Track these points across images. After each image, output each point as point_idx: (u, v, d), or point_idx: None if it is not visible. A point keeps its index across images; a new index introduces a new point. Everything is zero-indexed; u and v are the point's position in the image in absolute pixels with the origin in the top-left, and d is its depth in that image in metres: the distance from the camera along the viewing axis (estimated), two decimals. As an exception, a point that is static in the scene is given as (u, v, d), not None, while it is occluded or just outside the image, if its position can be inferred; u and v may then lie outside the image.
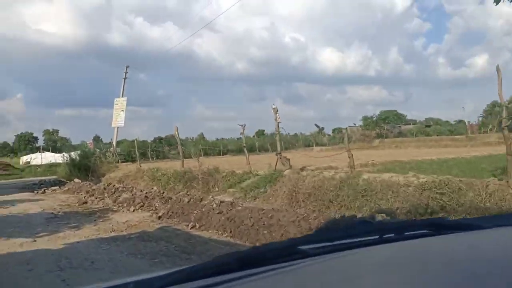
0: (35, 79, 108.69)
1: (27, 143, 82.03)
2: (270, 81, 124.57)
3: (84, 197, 13.55)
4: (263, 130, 68.21)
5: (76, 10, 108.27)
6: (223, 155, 36.40)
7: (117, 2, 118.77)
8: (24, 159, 46.84)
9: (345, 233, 1.15)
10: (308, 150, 35.63)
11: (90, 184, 16.86)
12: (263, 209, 8.36)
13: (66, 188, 16.45)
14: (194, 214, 8.45)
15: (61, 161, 41.05)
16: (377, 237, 1.16)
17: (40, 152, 44.69)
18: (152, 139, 48.05)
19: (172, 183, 13.92)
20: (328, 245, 1.08)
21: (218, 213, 8.15)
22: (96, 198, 13.10)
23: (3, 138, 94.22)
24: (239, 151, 40.22)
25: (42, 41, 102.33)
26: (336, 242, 1.10)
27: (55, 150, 53.09)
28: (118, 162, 21.88)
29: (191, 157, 33.07)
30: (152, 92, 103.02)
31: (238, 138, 50.19)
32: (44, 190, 16.86)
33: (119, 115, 28.05)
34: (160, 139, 49.73)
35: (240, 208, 8.30)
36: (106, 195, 13.33)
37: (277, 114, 11.34)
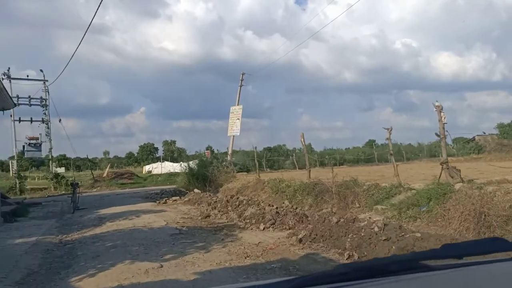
0: (156, 94, 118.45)
1: (149, 153, 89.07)
2: (379, 89, 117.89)
3: (206, 209, 12.56)
4: (374, 140, 64.16)
5: (191, 27, 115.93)
6: (340, 165, 33.97)
7: (228, 18, 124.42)
8: (146, 168, 50.14)
9: (474, 250, 1.04)
10: (436, 160, 31.25)
11: (210, 195, 16.05)
12: (447, 237, 6.06)
13: (186, 199, 15.85)
14: (348, 239, 6.50)
15: (179, 171, 43.05)
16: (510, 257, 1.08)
17: (160, 161, 47.31)
18: (260, 149, 47.82)
19: (299, 196, 12.20)
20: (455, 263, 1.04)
21: (384, 239, 6.09)
22: (219, 212, 11.98)
23: (129, 148, 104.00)
24: (357, 161, 37.49)
25: (162, 58, 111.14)
26: (464, 260, 1.03)
27: (173, 160, 56.09)
28: (234, 172, 21.08)
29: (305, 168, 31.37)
30: (259, 104, 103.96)
31: (354, 148, 47.14)
32: (166, 200, 16.52)
33: (234, 124, 27.57)
34: (269, 149, 49.20)
35: (417, 234, 6.08)
36: (229, 208, 12.13)
37: (442, 114, 8.88)
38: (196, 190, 17.58)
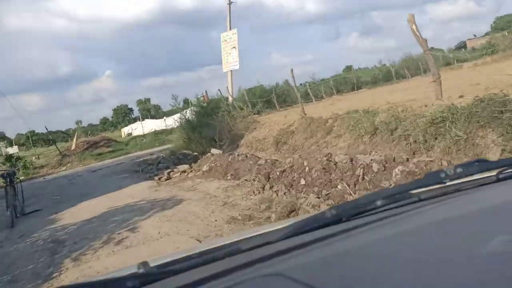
0: (119, 55, 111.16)
1: (124, 115, 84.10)
2: (344, 15, 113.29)
3: (263, 188, 6.46)
4: (351, 66, 59.65)
5: None
6: (358, 89, 27.97)
7: None
8: (125, 131, 43.31)
9: (457, 174, 1.02)
10: (449, 70, 25.47)
11: (236, 155, 9.87)
12: None
13: (205, 168, 9.57)
14: None
15: (164, 127, 36.37)
16: (494, 175, 1.09)
17: (140, 121, 40.49)
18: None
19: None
20: (440, 187, 1.05)
21: None
22: (284, 193, 5.95)
23: (102, 114, 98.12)
24: (375, 82, 31.57)
25: (118, 16, 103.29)
26: (448, 183, 1.03)
27: (152, 118, 49.52)
28: (252, 115, 14.76)
29: (323, 98, 25.25)
30: None
31: (364, 68, 41.08)
32: (169, 173, 10.34)
33: (230, 55, 20.80)
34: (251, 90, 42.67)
35: None
36: (303, 182, 6.07)
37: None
38: (214, 151, 11.28)
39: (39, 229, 7.08)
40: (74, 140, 22.66)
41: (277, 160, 8.92)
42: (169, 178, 10.11)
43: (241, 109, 14.07)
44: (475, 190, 1.06)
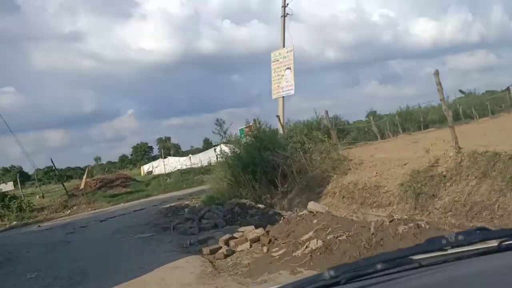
0: (142, 95, 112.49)
1: (143, 153, 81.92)
2: (363, 63, 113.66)
3: None
4: (375, 112, 57.37)
5: (167, 24, 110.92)
6: (425, 128, 23.40)
7: (203, 9, 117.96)
8: (145, 168, 39.24)
9: (458, 242, 1.02)
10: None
11: (375, 222, 5.25)
12: None
13: (313, 246, 4.91)
14: None
15: (187, 166, 31.99)
16: (495, 245, 1.06)
17: (162, 158, 36.44)
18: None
19: None
20: (441, 254, 1.03)
21: None
22: None
23: (121, 152, 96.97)
24: (441, 121, 26.98)
25: (143, 58, 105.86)
26: (450, 251, 1.02)
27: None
28: (339, 149, 10.10)
29: (382, 138, 20.72)
30: (246, 93, 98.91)
31: (429, 106, 36.61)
32: (227, 242, 5.77)
33: (283, 77, 16.68)
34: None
35: None
36: None
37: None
38: (314, 206, 6.39)
39: None
40: (84, 177, 18.50)
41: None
42: (230, 251, 5.54)
43: (321, 140, 9.55)
44: (476, 259, 1.03)
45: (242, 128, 15.79)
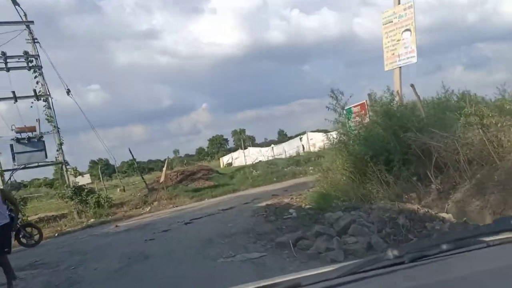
0: (215, 89, 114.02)
1: (219, 146, 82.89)
2: (445, 48, 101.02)
3: None
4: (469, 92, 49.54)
5: (236, 16, 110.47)
6: None
7: (272, 0, 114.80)
8: (224, 160, 37.55)
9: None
10: None
11: None
12: None
13: None
14: None
15: (270, 157, 29.25)
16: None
17: (242, 148, 34.29)
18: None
19: None
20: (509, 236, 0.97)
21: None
22: None
23: (198, 145, 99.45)
24: None
25: (215, 52, 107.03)
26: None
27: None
28: None
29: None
30: (318, 82, 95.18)
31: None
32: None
33: (399, 43, 13.16)
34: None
35: None
36: None
37: None
38: None
39: None
40: (164, 169, 16.60)
41: None
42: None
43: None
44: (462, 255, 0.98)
45: (350, 107, 12.54)
